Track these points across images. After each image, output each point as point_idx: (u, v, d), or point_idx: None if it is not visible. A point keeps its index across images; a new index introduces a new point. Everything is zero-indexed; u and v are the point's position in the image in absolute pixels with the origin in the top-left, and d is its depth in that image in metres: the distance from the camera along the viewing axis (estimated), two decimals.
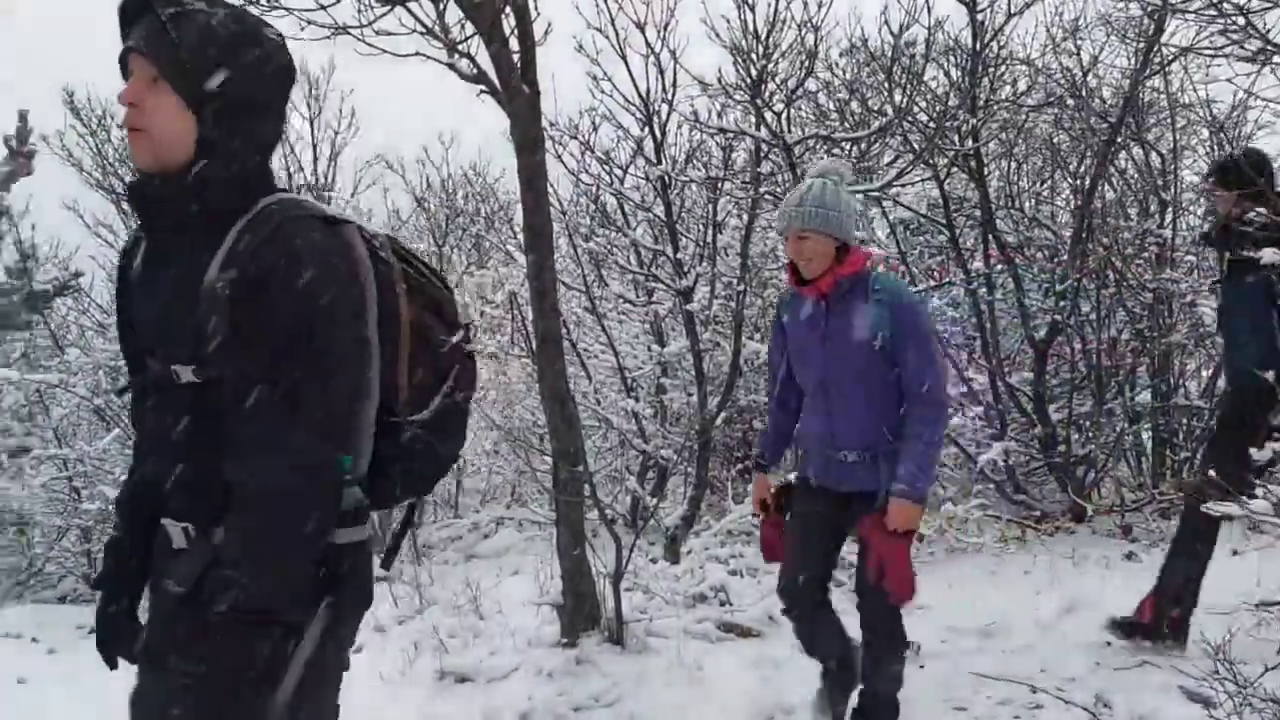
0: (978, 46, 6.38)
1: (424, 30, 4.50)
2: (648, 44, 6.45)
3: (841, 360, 3.07)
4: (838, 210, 3.06)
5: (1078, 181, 6.87)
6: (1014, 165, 7.43)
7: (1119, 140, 6.55)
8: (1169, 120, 6.93)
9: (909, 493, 2.94)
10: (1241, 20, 4.76)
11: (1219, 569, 3.79)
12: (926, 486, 3.00)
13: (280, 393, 1.57)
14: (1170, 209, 6.71)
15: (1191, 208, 7.12)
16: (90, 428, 8.10)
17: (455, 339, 1.86)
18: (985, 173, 6.66)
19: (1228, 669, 2.75)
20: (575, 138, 7.09)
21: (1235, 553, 5.14)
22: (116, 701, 4.46)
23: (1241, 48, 5.02)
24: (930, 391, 2.99)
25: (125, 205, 8.30)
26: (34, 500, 7.12)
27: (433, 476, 1.92)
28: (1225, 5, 4.75)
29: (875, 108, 6.99)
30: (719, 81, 6.62)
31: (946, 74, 6.87)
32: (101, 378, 7.07)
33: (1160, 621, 3.95)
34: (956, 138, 6.44)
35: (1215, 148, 6.96)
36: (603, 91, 6.75)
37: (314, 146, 8.82)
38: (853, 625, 3.24)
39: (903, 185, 6.85)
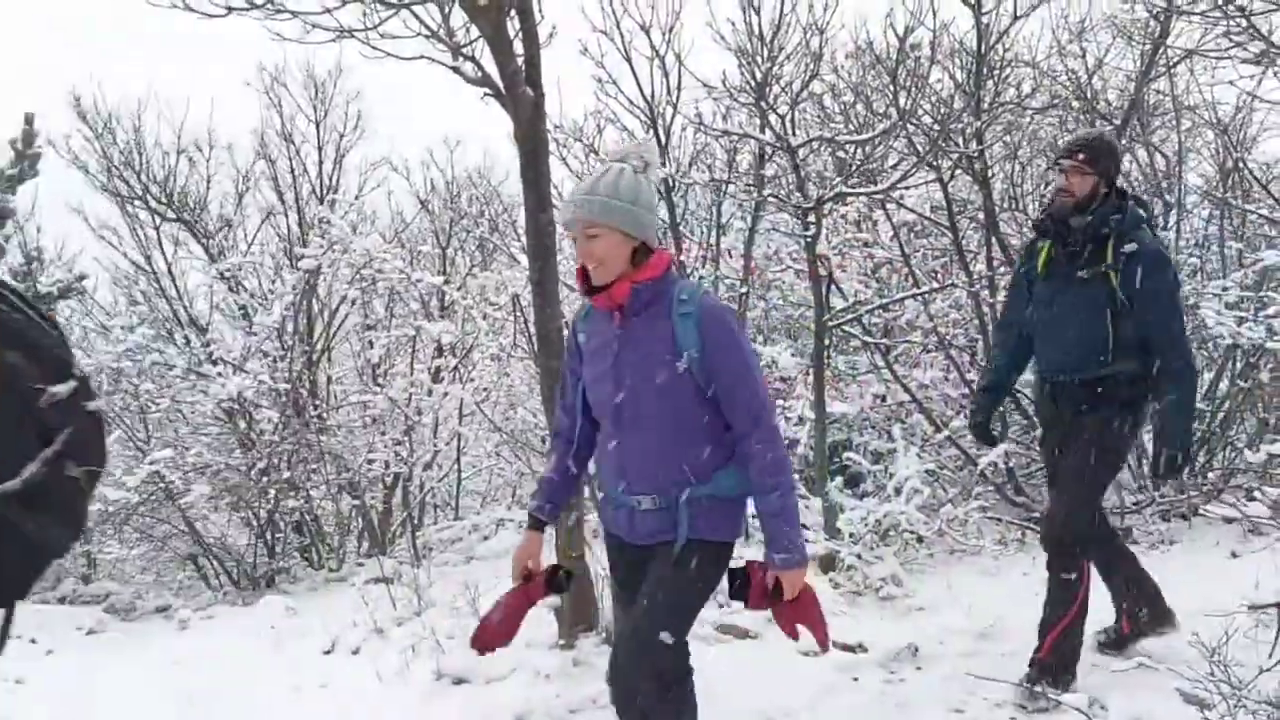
0: (983, 49, 6.38)
1: (429, 34, 4.52)
2: (653, 47, 6.48)
3: (637, 386, 2.58)
4: (635, 203, 2.55)
5: None
6: (1018, 168, 7.42)
7: (1124, 143, 6.55)
8: (1174, 123, 6.93)
9: (790, 560, 2.58)
10: (1244, 23, 4.77)
11: (1217, 571, 3.79)
12: (802, 541, 2.63)
13: None
14: (1174, 211, 6.70)
15: (1196, 210, 7.11)
16: None
17: (59, 391, 1.42)
18: (989, 175, 6.65)
19: (1223, 671, 2.75)
20: (580, 140, 7.11)
21: (1234, 555, 5.14)
22: (114, 703, 4.48)
23: (1244, 49, 5.03)
24: (762, 418, 2.56)
25: (130, 208, 8.34)
26: None
27: (20, 571, 1.44)
28: (1229, 7, 4.76)
29: (880, 110, 6.99)
30: (724, 84, 6.63)
31: (951, 76, 6.87)
32: (104, 379, 7.11)
33: (1139, 625, 3.93)
34: (961, 140, 6.44)
35: (1220, 150, 6.96)
36: (607, 94, 6.77)
37: (319, 149, 8.85)
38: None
39: (906, 188, 6.85)
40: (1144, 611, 3.93)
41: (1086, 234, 3.61)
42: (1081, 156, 3.65)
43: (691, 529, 2.60)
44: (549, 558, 3.00)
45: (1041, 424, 4.08)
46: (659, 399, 2.56)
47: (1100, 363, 3.61)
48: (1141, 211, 3.68)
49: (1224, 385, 6.40)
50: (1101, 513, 3.86)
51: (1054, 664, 3.63)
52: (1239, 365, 6.29)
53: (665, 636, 2.58)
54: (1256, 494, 5.46)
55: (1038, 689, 3.53)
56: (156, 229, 8.41)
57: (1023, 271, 3.95)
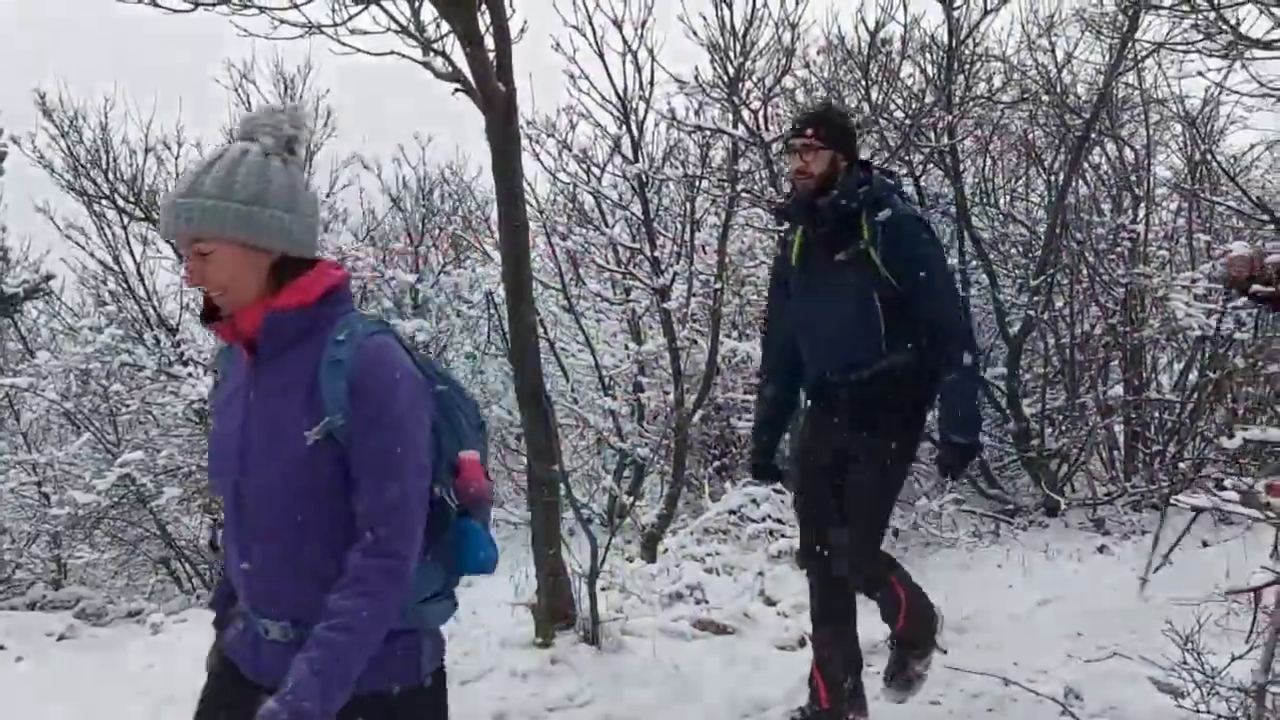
0: (953, 44, 6.41)
1: (398, 29, 4.48)
2: (625, 42, 6.45)
3: (263, 461, 1.74)
4: (259, 201, 1.70)
5: (1052, 178, 6.91)
6: (989, 162, 7.46)
7: (1093, 136, 6.60)
8: (1143, 116, 6.98)
9: (286, 710, 1.60)
10: (1213, 15, 4.81)
11: (1188, 560, 3.82)
12: (339, 694, 1.65)
13: None
14: (1143, 204, 6.76)
15: (1164, 203, 7.18)
16: (60, 432, 8.04)
17: None
18: (960, 169, 6.68)
19: (1196, 659, 2.77)
20: (552, 136, 7.08)
21: (1205, 544, 5.19)
22: (87, 708, 4.42)
23: (1213, 40, 5.07)
24: (385, 540, 1.69)
25: (98, 207, 8.24)
26: (2, 506, 7.06)
27: None
28: (1198, 0, 4.80)
29: (852, 105, 7.01)
30: (696, 79, 6.62)
31: (923, 71, 6.90)
32: (72, 381, 7.02)
33: (841, 699, 3.45)
34: (932, 135, 6.47)
35: (1188, 143, 7.02)
36: (580, 89, 6.74)
37: None
38: None
39: None
40: (849, 682, 3.47)
41: (835, 212, 3.21)
42: (810, 132, 3.26)
43: None
44: None
45: (804, 436, 3.55)
46: (286, 486, 1.72)
47: (871, 357, 3.20)
48: (889, 180, 3.36)
49: (1193, 376, 6.46)
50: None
51: (915, 631, 3.34)
52: (1208, 356, 6.35)
53: None
54: (1227, 484, 5.53)
55: (915, 666, 3.31)
56: (124, 228, 8.31)
57: (778, 269, 3.54)
